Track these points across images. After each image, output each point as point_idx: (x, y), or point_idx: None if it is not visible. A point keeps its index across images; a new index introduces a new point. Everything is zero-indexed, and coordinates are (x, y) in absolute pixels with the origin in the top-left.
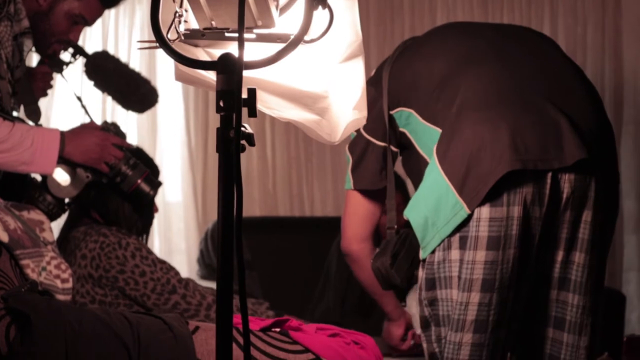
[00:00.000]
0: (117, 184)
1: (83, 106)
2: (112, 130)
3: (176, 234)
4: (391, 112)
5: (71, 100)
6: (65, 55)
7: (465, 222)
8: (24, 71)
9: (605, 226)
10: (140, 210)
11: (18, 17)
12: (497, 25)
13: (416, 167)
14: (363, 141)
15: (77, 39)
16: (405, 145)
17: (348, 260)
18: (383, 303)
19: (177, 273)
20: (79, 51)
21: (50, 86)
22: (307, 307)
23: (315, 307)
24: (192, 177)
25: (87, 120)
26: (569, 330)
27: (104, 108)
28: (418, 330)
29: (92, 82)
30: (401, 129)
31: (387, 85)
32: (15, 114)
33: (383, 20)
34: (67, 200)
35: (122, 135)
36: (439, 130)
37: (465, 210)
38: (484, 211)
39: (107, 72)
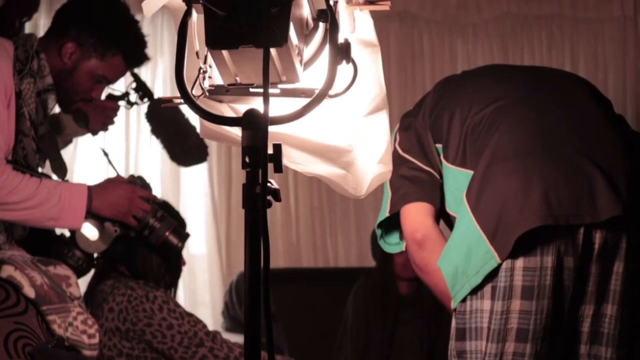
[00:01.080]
0: (145, 237)
1: (109, 161)
2: (138, 183)
3: (200, 286)
4: (436, 145)
5: (94, 154)
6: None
7: (495, 271)
8: (48, 128)
9: (638, 277)
10: (168, 263)
11: (42, 74)
12: (532, 70)
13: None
14: (405, 164)
15: (99, 97)
16: None
17: (424, 252)
18: None
19: (204, 326)
20: (146, 94)
21: (112, 122)
22: (332, 358)
23: (337, 358)
24: (215, 230)
25: (110, 173)
26: None
27: (127, 157)
28: None
29: (149, 126)
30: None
31: (429, 120)
32: (40, 169)
33: (404, 67)
34: (95, 255)
35: (149, 189)
36: (468, 172)
37: (496, 260)
38: (518, 260)
39: (162, 119)
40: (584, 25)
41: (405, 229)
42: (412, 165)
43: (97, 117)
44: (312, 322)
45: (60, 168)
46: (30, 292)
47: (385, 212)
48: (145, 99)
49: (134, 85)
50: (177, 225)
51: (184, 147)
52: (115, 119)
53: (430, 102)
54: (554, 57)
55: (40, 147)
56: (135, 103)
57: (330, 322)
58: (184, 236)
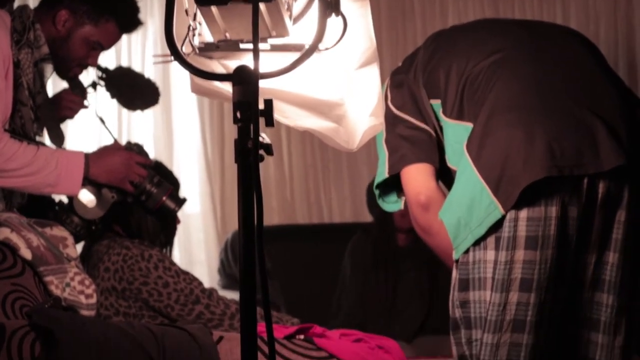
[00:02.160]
0: (142, 202)
1: (106, 127)
2: (134, 149)
3: (196, 245)
4: (431, 101)
5: (88, 120)
6: (86, 77)
7: (499, 222)
8: (45, 97)
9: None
10: (163, 223)
11: (38, 44)
12: (527, 23)
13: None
14: (403, 123)
15: (96, 63)
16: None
17: (429, 215)
18: None
19: (200, 283)
20: (105, 73)
21: (78, 111)
22: (329, 313)
23: (336, 314)
24: (210, 188)
25: (104, 140)
26: (603, 331)
27: (119, 117)
28: None
29: (110, 94)
30: (440, 123)
31: (422, 75)
32: (38, 138)
33: (394, 25)
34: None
35: (145, 155)
36: (469, 124)
37: (500, 211)
38: (522, 211)
39: (116, 80)
40: None
41: (408, 191)
42: (408, 124)
43: (62, 105)
44: (307, 278)
45: (58, 137)
46: (27, 253)
47: (383, 173)
48: (104, 75)
49: (98, 73)
50: (174, 189)
51: (136, 94)
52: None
53: (422, 58)
54: (545, 11)
55: (38, 116)
56: (98, 84)
57: (325, 277)
58: (180, 201)
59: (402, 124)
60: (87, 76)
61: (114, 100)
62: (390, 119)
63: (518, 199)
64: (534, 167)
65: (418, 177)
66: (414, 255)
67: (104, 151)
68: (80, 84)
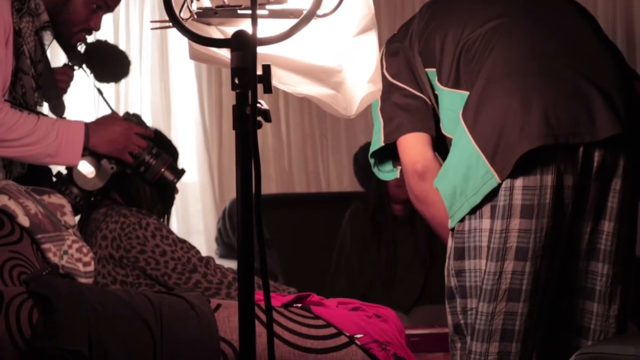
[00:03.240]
0: (141, 174)
1: (104, 98)
2: (134, 120)
3: (194, 214)
4: (426, 70)
5: (84, 92)
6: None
7: (495, 191)
8: (47, 65)
9: (636, 195)
10: (161, 192)
11: (37, 12)
12: None
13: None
14: (399, 91)
15: (99, 26)
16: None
17: (425, 184)
18: None
19: (197, 252)
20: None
21: (69, 85)
22: (326, 282)
23: (334, 284)
24: (207, 157)
25: (102, 110)
26: (598, 300)
27: (117, 98)
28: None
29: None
30: (435, 91)
31: (417, 43)
32: (38, 107)
33: None
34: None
35: (144, 125)
36: (465, 93)
37: (496, 179)
38: (517, 180)
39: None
40: None
41: (405, 160)
42: (404, 92)
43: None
44: (305, 247)
45: (59, 106)
46: (24, 220)
47: (379, 142)
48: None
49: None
50: (172, 161)
51: (111, 69)
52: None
53: (418, 25)
54: None
55: (39, 85)
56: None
57: (323, 246)
58: (179, 172)
59: (398, 92)
60: None
61: None
62: (386, 87)
63: (514, 167)
64: (530, 136)
65: (415, 147)
66: (411, 225)
67: (103, 121)
68: (79, 54)
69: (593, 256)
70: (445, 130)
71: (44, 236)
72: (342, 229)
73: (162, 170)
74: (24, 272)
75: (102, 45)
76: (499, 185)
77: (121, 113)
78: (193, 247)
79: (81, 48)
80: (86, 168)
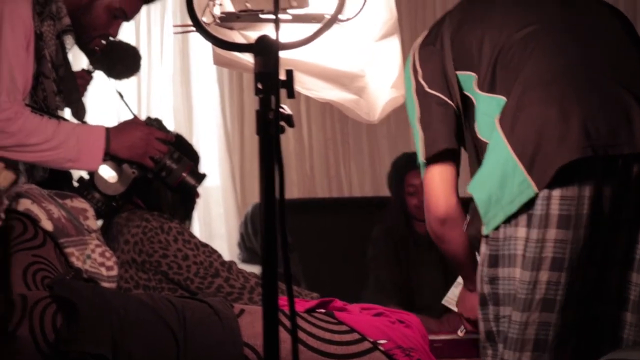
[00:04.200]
0: (162, 178)
1: (125, 102)
2: (155, 125)
3: (216, 218)
4: (457, 73)
5: (106, 95)
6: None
7: (532, 200)
8: (68, 69)
9: None
10: (183, 196)
11: (59, 15)
12: None
13: (467, 133)
14: (434, 100)
15: (117, 33)
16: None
17: (447, 229)
18: (469, 271)
19: (219, 256)
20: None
21: (86, 88)
22: (347, 287)
23: (360, 293)
24: (229, 161)
25: (123, 114)
26: (633, 310)
27: (139, 89)
28: None
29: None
30: (466, 92)
31: (450, 47)
32: (59, 112)
33: None
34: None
35: (165, 130)
36: (502, 98)
37: (534, 189)
38: (555, 190)
39: (113, 62)
40: None
41: (429, 198)
42: (438, 100)
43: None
44: (327, 252)
45: (80, 110)
46: (47, 224)
47: (421, 156)
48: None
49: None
50: (193, 165)
51: (123, 64)
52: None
53: (449, 26)
54: None
55: (60, 89)
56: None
57: (345, 251)
58: (200, 177)
59: (433, 101)
60: None
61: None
62: (422, 96)
63: (551, 177)
64: (569, 147)
65: (441, 186)
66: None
67: (124, 126)
68: (100, 58)
69: (628, 266)
70: (481, 134)
71: (67, 240)
72: (373, 239)
73: (184, 174)
74: (47, 276)
75: (111, 44)
76: (536, 194)
77: (143, 117)
78: (215, 252)
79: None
80: (107, 173)
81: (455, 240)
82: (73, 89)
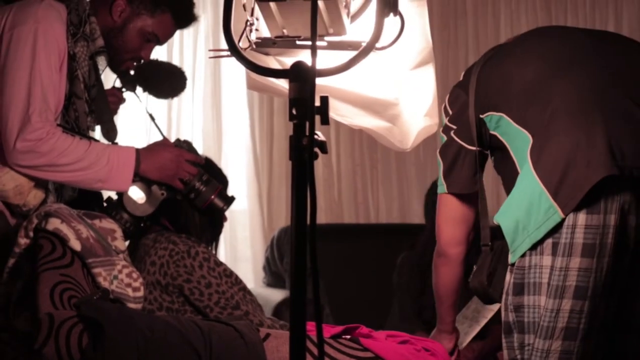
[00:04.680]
0: (191, 200)
1: (155, 123)
2: (184, 147)
3: (242, 241)
4: (481, 116)
5: (137, 116)
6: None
7: (557, 227)
8: (101, 90)
9: None
10: (211, 219)
11: (93, 37)
12: (588, 30)
13: (508, 169)
14: (455, 146)
15: (149, 57)
16: (496, 147)
17: (439, 262)
18: (446, 313)
19: (241, 289)
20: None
21: (122, 102)
22: (372, 314)
23: (385, 320)
24: (257, 185)
25: (153, 136)
26: None
27: (169, 112)
28: (462, 347)
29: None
30: (492, 132)
31: (474, 88)
32: (90, 132)
33: (447, 25)
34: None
35: (195, 152)
36: (529, 136)
37: (560, 215)
38: (580, 218)
39: (149, 80)
40: None
41: (442, 234)
42: (460, 146)
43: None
44: (353, 278)
45: (111, 130)
46: (76, 244)
47: (442, 186)
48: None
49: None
50: (222, 188)
51: (170, 84)
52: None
53: (477, 67)
54: (597, 15)
55: (92, 109)
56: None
57: (371, 278)
58: (229, 199)
59: (456, 146)
60: None
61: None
62: (448, 137)
63: (577, 204)
64: (595, 169)
65: (458, 228)
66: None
67: (154, 147)
68: (131, 77)
69: None
70: (518, 165)
71: (95, 260)
72: (399, 267)
73: (212, 197)
74: (74, 295)
75: (154, 63)
76: (562, 221)
77: (172, 139)
78: (238, 283)
79: (131, 72)
80: (136, 194)
81: (443, 276)
82: (105, 109)
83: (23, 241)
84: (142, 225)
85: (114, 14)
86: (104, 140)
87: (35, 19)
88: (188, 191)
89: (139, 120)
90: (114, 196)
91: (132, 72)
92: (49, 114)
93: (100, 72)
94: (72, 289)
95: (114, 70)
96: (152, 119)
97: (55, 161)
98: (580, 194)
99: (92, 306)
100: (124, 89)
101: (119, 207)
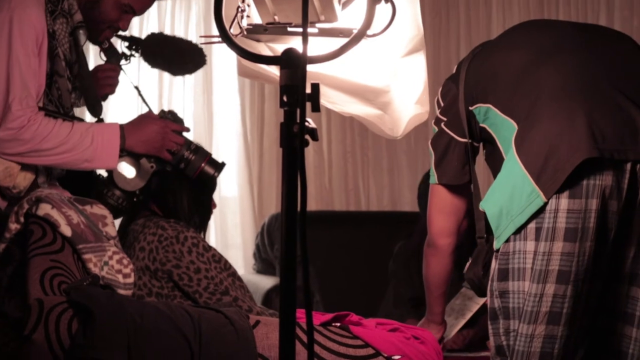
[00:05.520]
0: (181, 170)
1: (141, 96)
2: (169, 117)
3: (232, 228)
4: (470, 108)
5: (127, 91)
6: (119, 47)
7: (540, 212)
8: (84, 65)
9: None
10: (200, 203)
11: (71, 12)
12: (575, 22)
13: (497, 161)
14: (445, 137)
15: (127, 27)
16: (487, 140)
17: (429, 252)
18: (435, 303)
19: (230, 274)
20: (134, 42)
21: (117, 82)
22: (362, 300)
23: (374, 307)
24: (248, 172)
25: (144, 109)
26: (638, 326)
27: (160, 98)
28: (448, 338)
29: (148, 64)
30: (481, 125)
31: (464, 81)
32: (75, 109)
33: (438, 13)
34: (135, 192)
35: (180, 122)
36: (515, 124)
37: (542, 199)
38: (562, 202)
39: (156, 51)
40: None
41: (434, 224)
42: (450, 138)
43: (100, 82)
44: (343, 265)
45: (97, 105)
46: (66, 230)
47: (434, 176)
48: (138, 49)
49: (125, 44)
50: (212, 155)
51: (185, 59)
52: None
53: (467, 60)
54: (589, 4)
55: (75, 86)
56: (132, 55)
57: (361, 265)
58: (219, 166)
59: (446, 138)
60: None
61: (154, 81)
62: (439, 128)
63: (559, 188)
64: (576, 152)
65: (448, 219)
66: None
67: (138, 121)
68: (115, 50)
69: (634, 281)
70: (504, 153)
71: (86, 246)
72: (396, 255)
73: (202, 165)
74: (64, 281)
75: (165, 38)
76: (545, 206)
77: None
78: (227, 269)
79: (124, 44)
80: (126, 169)
81: (433, 267)
82: (88, 85)
83: (14, 226)
84: (135, 200)
85: None
86: (90, 118)
87: (9, 7)
88: (177, 161)
89: (130, 95)
90: (105, 174)
91: (130, 48)
92: (29, 100)
93: (81, 46)
94: (62, 275)
95: (93, 41)
96: (138, 91)
97: (39, 147)
98: (562, 177)
99: (82, 292)
100: (115, 61)
101: (110, 184)
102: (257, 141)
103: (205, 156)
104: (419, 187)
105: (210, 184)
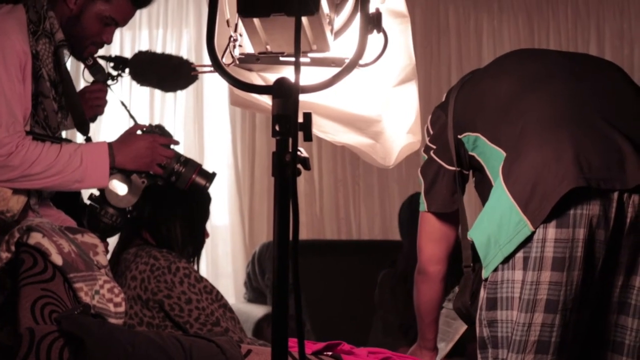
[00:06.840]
0: (172, 183)
1: (128, 111)
2: (157, 132)
3: (223, 257)
4: (459, 137)
5: (117, 110)
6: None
7: (528, 241)
8: (69, 83)
9: None
10: (193, 233)
11: (52, 32)
12: (563, 51)
13: (486, 189)
14: (434, 165)
15: (110, 40)
16: (476, 168)
17: (420, 279)
18: (427, 330)
19: (221, 305)
20: (120, 62)
21: (105, 102)
22: (353, 330)
23: (366, 336)
24: (239, 201)
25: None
26: (627, 355)
27: (151, 114)
28: None
29: (137, 82)
30: (470, 153)
31: (453, 110)
32: (62, 129)
33: (429, 42)
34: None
35: (168, 135)
36: (503, 153)
37: (529, 228)
38: (550, 232)
39: (145, 68)
40: (610, 0)
41: (421, 256)
42: (440, 166)
43: (88, 103)
44: (334, 294)
45: (83, 125)
46: (57, 259)
47: (423, 203)
48: (125, 68)
49: (111, 64)
50: (202, 166)
51: (174, 76)
52: (106, 100)
53: (456, 89)
54: (580, 33)
55: (62, 105)
56: (119, 75)
57: (352, 294)
58: (210, 176)
59: (435, 166)
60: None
61: (145, 110)
62: (428, 157)
63: (546, 217)
64: (563, 181)
65: (438, 246)
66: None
67: (126, 138)
68: (100, 67)
69: (623, 310)
70: (493, 180)
71: (77, 275)
72: (380, 286)
73: (193, 176)
74: (55, 310)
75: (153, 56)
76: (532, 235)
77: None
78: (219, 300)
79: (109, 64)
80: (118, 187)
81: (424, 294)
82: (75, 102)
83: (4, 255)
84: (128, 216)
85: (69, 2)
86: (79, 138)
87: None
88: (168, 175)
89: (121, 112)
90: (96, 193)
91: (117, 68)
92: (16, 125)
93: (64, 64)
94: (53, 304)
95: (77, 58)
96: (124, 105)
97: (28, 172)
98: (549, 206)
99: (73, 321)
100: (101, 80)
101: (102, 202)
102: (248, 170)
103: (196, 167)
104: (399, 214)
105: (202, 194)
